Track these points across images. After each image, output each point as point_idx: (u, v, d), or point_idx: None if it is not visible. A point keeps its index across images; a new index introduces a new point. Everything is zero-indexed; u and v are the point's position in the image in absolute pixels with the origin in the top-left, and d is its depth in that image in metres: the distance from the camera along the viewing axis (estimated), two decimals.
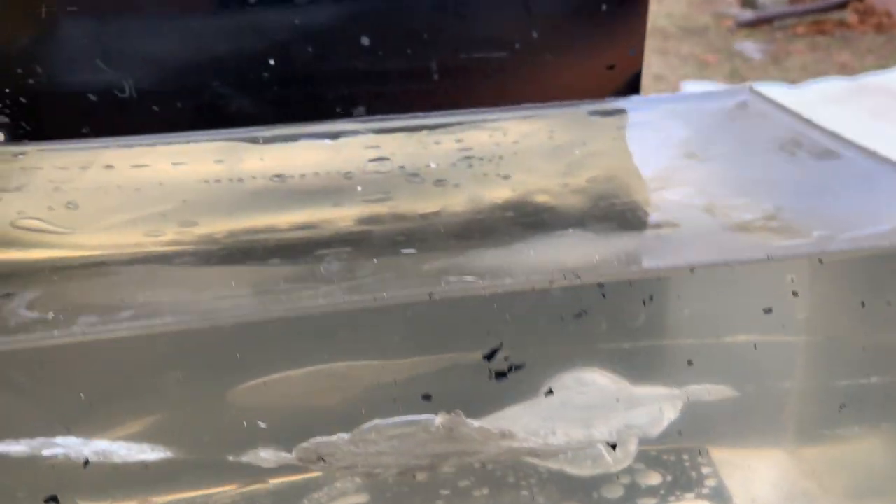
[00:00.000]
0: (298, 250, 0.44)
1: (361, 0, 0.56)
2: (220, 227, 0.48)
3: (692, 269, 0.33)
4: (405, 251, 0.41)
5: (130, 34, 0.55)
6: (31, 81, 0.56)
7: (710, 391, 0.40)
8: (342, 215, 0.48)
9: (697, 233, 0.40)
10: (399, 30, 0.57)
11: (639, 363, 0.39)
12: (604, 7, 0.58)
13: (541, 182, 0.51)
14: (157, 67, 0.56)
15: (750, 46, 2.79)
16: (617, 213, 0.45)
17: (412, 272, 0.38)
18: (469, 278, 0.36)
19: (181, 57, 0.56)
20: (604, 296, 0.33)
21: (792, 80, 2.53)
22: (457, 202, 0.50)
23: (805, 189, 0.44)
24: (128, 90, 0.56)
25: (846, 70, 2.57)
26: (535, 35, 0.58)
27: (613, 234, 0.42)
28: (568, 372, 0.39)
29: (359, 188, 0.50)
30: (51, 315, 0.35)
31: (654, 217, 0.43)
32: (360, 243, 0.44)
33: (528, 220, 0.47)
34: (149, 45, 0.56)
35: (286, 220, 0.49)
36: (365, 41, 0.57)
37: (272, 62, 0.57)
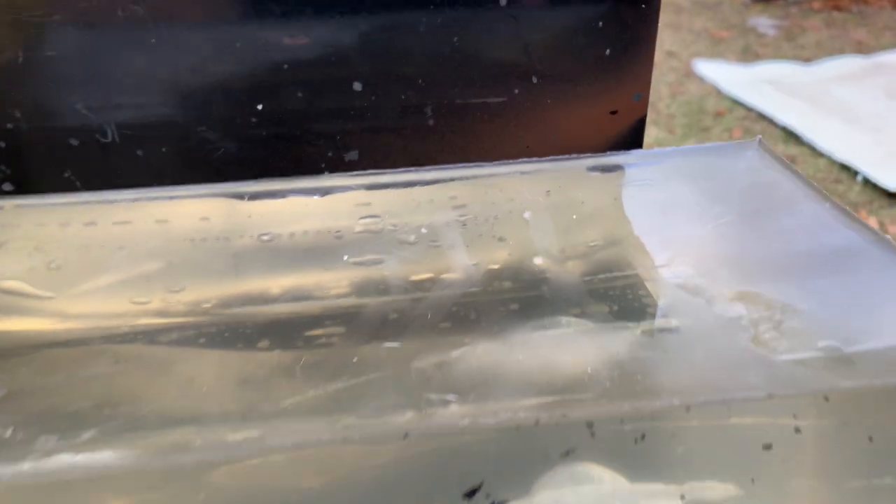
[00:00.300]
0: (288, 330, 0.42)
1: (353, 44, 0.53)
2: (207, 293, 0.46)
3: (688, 409, 0.31)
4: (389, 344, 0.39)
5: (112, 78, 0.52)
6: (9, 126, 0.53)
7: (712, 489, 0.38)
8: (332, 282, 0.46)
9: (699, 336, 0.37)
10: (393, 74, 0.54)
11: (636, 457, 0.37)
12: (608, 51, 0.54)
13: (537, 246, 0.48)
14: (140, 112, 0.53)
15: (764, 22, 2.71)
16: (617, 295, 0.43)
17: (393, 379, 0.36)
18: (451, 397, 0.33)
19: (165, 101, 0.53)
20: (592, 435, 0.31)
21: (806, 57, 2.46)
22: (450, 267, 0.47)
23: (812, 275, 0.42)
24: (110, 135, 0.53)
25: (862, 48, 2.50)
26: (534, 80, 0.55)
27: (610, 330, 0.39)
28: (561, 465, 0.37)
29: (346, 256, 0.47)
30: (9, 432, 0.33)
31: (654, 308, 0.41)
32: (349, 322, 0.42)
33: (524, 295, 0.44)
34: (131, 89, 0.53)
35: (275, 285, 0.46)
36: (357, 86, 0.54)
37: (260, 107, 0.54)
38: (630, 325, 0.40)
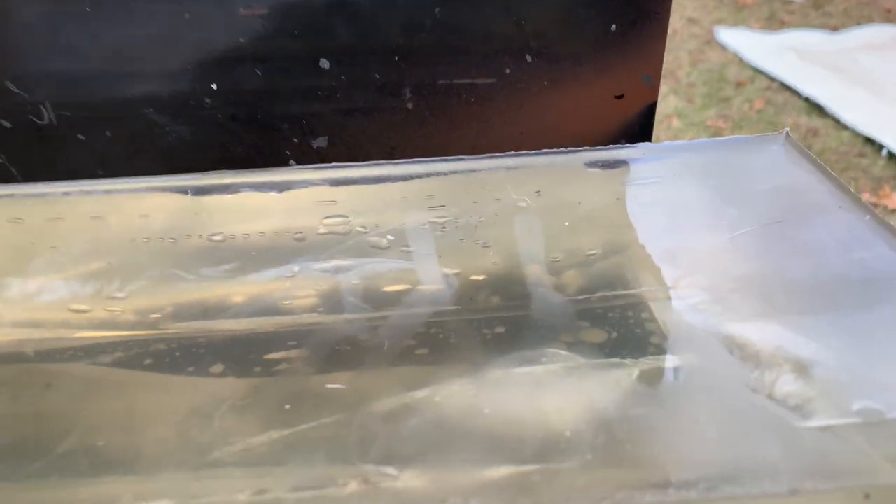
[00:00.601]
0: (244, 351, 0.35)
1: (319, 15, 0.45)
2: (154, 301, 0.39)
3: None
4: (332, 386, 0.32)
5: (42, 50, 0.45)
6: None
7: None
8: (289, 293, 0.39)
9: (707, 387, 0.30)
10: (365, 50, 0.46)
11: None
12: (613, 27, 0.46)
13: (525, 255, 0.41)
14: (78, 90, 0.46)
15: None
16: (615, 320, 0.35)
17: (329, 437, 0.29)
18: (391, 471, 0.26)
19: (105, 78, 0.46)
20: None
21: (833, 25, 2.33)
22: (424, 278, 0.40)
23: (847, 306, 0.34)
24: (46, 116, 0.46)
25: (891, 16, 2.36)
26: (528, 58, 0.47)
27: (603, 370, 0.32)
28: None
29: (308, 261, 0.40)
30: None
31: (657, 341, 0.33)
32: (302, 343, 0.36)
33: (507, 315, 0.37)
34: (65, 63, 0.45)
35: (227, 294, 0.40)
36: (324, 63, 0.46)
37: (214, 86, 0.46)
38: (627, 362, 0.33)
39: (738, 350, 0.31)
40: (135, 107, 0.46)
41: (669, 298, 0.36)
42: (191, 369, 0.35)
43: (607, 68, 0.47)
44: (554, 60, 0.47)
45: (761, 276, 0.36)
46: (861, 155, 1.80)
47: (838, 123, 1.89)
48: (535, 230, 0.42)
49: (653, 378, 0.31)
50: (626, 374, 0.32)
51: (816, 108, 1.94)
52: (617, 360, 0.33)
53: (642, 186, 0.43)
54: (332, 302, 0.39)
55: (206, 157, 0.48)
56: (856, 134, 1.85)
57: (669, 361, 0.32)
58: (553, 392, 0.31)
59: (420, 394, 0.32)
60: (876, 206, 1.66)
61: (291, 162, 0.48)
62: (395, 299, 0.39)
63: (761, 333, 0.32)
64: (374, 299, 0.39)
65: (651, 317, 0.36)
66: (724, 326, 0.33)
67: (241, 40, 0.45)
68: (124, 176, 0.48)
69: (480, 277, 0.40)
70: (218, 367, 0.35)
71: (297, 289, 0.40)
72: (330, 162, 0.48)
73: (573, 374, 0.32)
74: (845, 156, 1.80)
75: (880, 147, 1.79)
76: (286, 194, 0.44)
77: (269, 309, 0.39)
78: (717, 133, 1.83)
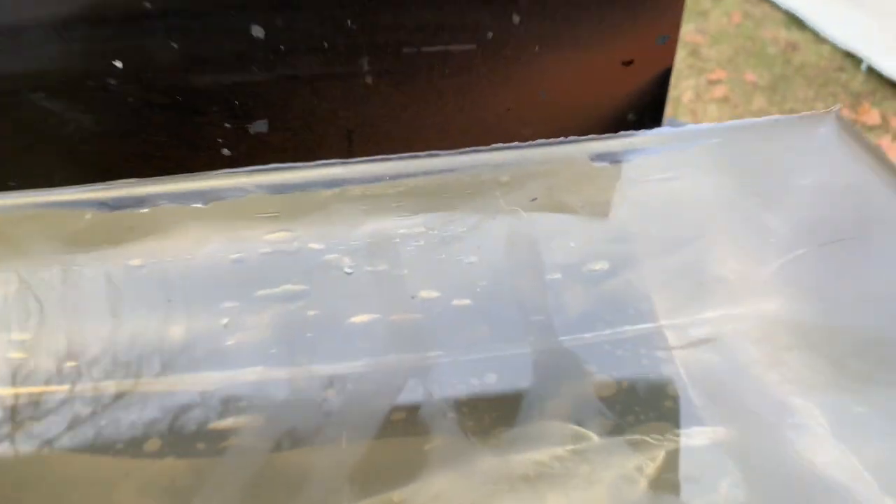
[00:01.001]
0: (183, 421, 0.28)
1: None
2: (66, 346, 0.31)
3: None
4: None
5: None
6: None
7: None
8: (232, 328, 0.31)
9: (748, 480, 0.22)
10: (308, 12, 0.35)
11: None
12: None
13: (519, 273, 0.32)
14: None
15: None
16: (628, 360, 0.27)
17: None
18: None
19: None
20: None
21: None
22: (397, 306, 0.32)
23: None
24: None
25: None
26: (516, 19, 0.37)
27: (618, 455, 0.24)
28: None
29: (253, 285, 0.31)
30: None
31: (680, 410, 0.25)
32: (252, 406, 0.28)
33: (497, 357, 0.29)
34: None
35: (158, 335, 0.31)
36: (257, 31, 0.36)
37: (119, 64, 0.36)
38: (650, 441, 0.24)
39: (786, 421, 0.23)
40: (18, 91, 0.36)
41: (695, 349, 0.28)
42: (126, 450, 0.26)
43: (613, 29, 0.37)
44: (547, 20, 0.36)
45: (824, 326, 0.28)
46: (840, 69, 1.72)
47: (818, 37, 1.80)
48: (528, 242, 0.33)
49: (680, 471, 0.23)
50: (648, 460, 0.24)
51: (796, 21, 1.83)
52: (637, 437, 0.25)
53: (659, 184, 0.34)
54: (283, 343, 0.30)
55: (118, 148, 0.37)
56: (835, 48, 1.76)
57: (700, 442, 0.24)
58: (559, 494, 0.23)
59: (395, 497, 0.24)
60: (854, 122, 1.59)
61: (224, 151, 0.38)
62: (360, 333, 0.31)
63: (833, 414, 0.24)
64: (335, 337, 0.31)
65: (673, 369, 0.28)
66: (780, 398, 0.25)
67: (149, 5, 0.34)
68: (17, 175, 0.38)
69: (464, 302, 0.32)
70: (154, 443, 0.27)
71: (240, 325, 0.31)
72: (272, 150, 0.39)
73: (584, 462, 0.24)
74: (825, 71, 1.71)
75: (860, 61, 1.71)
76: (216, 206, 0.34)
77: (206, 357, 0.30)
78: (694, 50, 1.72)
